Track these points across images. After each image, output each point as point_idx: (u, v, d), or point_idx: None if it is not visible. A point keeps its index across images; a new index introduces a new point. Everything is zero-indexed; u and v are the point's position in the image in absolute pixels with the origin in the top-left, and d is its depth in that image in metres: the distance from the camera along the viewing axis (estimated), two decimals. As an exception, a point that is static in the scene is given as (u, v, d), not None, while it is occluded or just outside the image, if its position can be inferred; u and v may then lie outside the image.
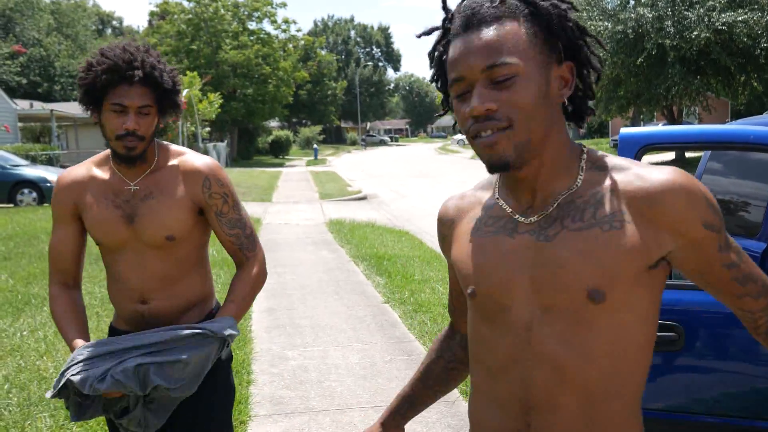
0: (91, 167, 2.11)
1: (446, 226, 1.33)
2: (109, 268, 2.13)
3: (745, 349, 2.56)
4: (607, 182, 1.13)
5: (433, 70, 1.22)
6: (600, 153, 1.19)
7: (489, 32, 1.08)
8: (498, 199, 1.23)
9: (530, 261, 1.14)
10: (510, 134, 1.09)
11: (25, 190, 16.39)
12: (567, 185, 1.16)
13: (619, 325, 1.11)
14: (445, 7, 1.18)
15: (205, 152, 25.91)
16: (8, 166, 16.64)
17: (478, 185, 1.32)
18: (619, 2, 22.14)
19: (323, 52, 70.42)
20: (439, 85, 1.24)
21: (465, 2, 1.13)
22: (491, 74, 1.08)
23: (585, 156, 1.18)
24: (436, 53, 1.20)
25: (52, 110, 30.16)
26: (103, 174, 2.08)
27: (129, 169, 2.05)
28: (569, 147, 1.18)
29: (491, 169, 1.13)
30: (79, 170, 2.11)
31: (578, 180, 1.15)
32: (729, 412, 2.56)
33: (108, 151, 2.11)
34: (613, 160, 1.17)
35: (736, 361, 2.57)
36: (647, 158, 26.38)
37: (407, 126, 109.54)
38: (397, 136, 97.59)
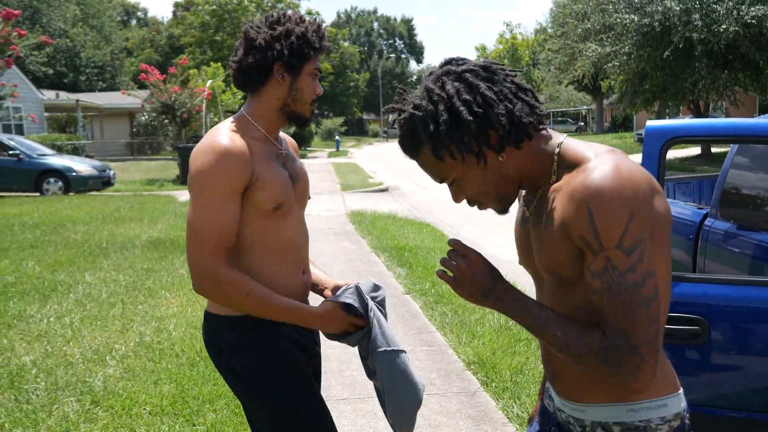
0: (239, 135, 1.91)
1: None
2: (272, 241, 1.96)
3: (763, 343, 2.54)
4: (563, 180, 1.33)
5: None
6: (574, 148, 1.36)
7: (420, 162, 1.40)
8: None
9: (529, 243, 1.45)
10: (487, 204, 1.44)
11: (51, 179, 16.62)
12: (542, 185, 1.40)
13: (583, 294, 1.32)
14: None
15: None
16: (35, 156, 16.89)
17: None
18: (645, -6, 21.85)
19: (346, 44, 70.40)
20: None
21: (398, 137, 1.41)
22: (448, 184, 1.42)
23: (556, 158, 1.37)
24: None
25: (77, 100, 30.55)
26: (255, 140, 1.94)
27: (276, 133, 2.04)
28: (540, 158, 1.39)
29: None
30: (236, 137, 1.89)
31: (552, 179, 1.37)
32: (752, 407, 2.54)
33: (241, 119, 1.98)
34: (579, 154, 1.34)
35: (761, 355, 2.55)
36: (673, 153, 26.07)
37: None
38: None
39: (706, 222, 3.93)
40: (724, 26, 18.74)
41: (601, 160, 1.27)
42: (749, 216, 3.81)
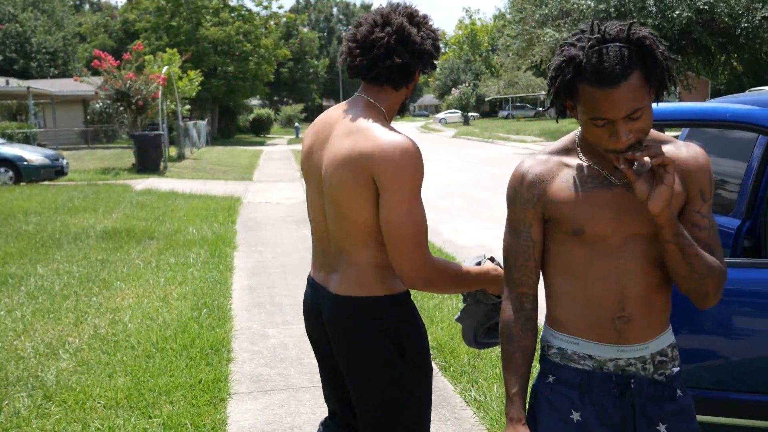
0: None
1: (537, 186, 1.68)
2: None
3: (714, 322, 2.59)
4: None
5: (554, 89, 1.57)
6: (655, 134, 1.68)
7: (624, 88, 1.46)
8: (589, 163, 1.66)
9: (624, 205, 1.60)
10: (641, 141, 1.52)
11: (2, 169, 16.16)
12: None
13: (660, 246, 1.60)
14: (573, 56, 1.51)
15: (186, 130, 25.63)
16: (-16, 144, 16.38)
17: (552, 150, 1.72)
18: (601, -19, 22.05)
19: (305, 30, 69.81)
20: (557, 98, 1.59)
21: (596, 56, 1.47)
22: (630, 116, 1.49)
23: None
24: (562, 80, 1.54)
25: (29, 87, 29.69)
26: None
27: None
28: None
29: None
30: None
31: None
32: (705, 385, 2.60)
33: (380, 114, 2.05)
34: (660, 133, 1.70)
35: (707, 334, 2.61)
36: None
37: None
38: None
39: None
40: (677, 12, 19.06)
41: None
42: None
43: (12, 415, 3.75)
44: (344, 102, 2.08)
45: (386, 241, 1.90)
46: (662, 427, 1.64)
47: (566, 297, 1.68)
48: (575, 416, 1.64)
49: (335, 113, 2.06)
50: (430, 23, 2.03)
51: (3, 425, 3.63)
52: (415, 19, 1.99)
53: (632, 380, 1.64)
